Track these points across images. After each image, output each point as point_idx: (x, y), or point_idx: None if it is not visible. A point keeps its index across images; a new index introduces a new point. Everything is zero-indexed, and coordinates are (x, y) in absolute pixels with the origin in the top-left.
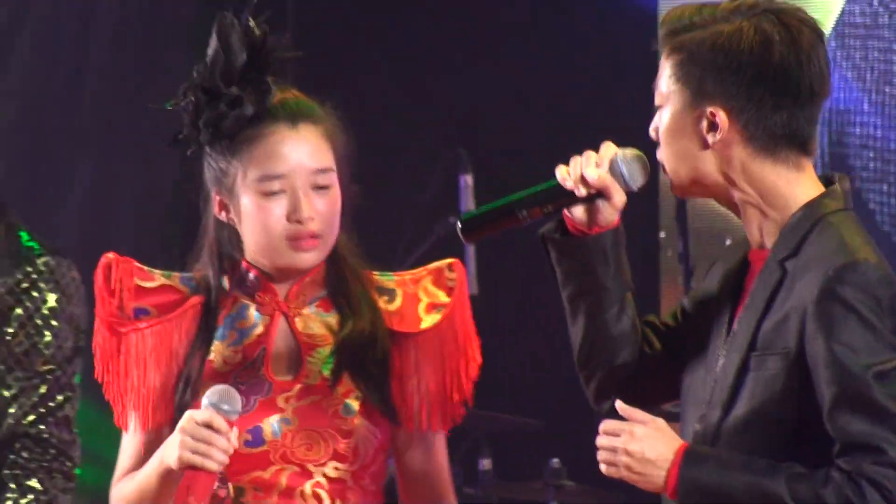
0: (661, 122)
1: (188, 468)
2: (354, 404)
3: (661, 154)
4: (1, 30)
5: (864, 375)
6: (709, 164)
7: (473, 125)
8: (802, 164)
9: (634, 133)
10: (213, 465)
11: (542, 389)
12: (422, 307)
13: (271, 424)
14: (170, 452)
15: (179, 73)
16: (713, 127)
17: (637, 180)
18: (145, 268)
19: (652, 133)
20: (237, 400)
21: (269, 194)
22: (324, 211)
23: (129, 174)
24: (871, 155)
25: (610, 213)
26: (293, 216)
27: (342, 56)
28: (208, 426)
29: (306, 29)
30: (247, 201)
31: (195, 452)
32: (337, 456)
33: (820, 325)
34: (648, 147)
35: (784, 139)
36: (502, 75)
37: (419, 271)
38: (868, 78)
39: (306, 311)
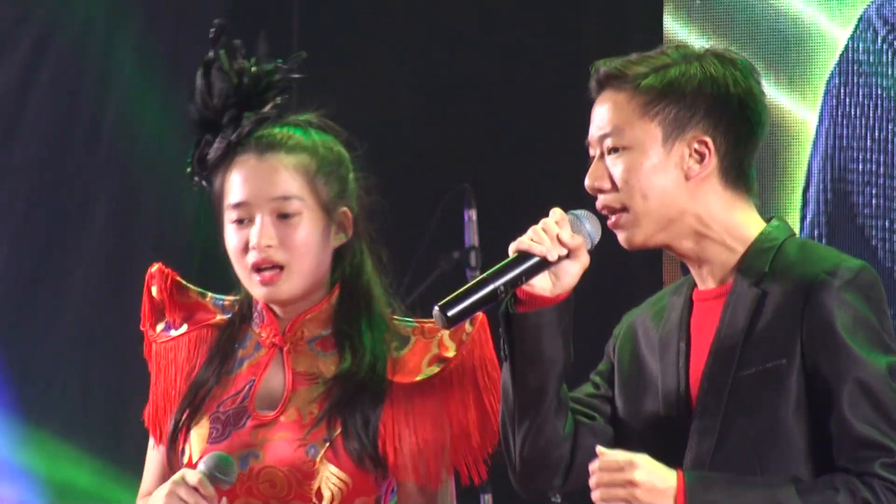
0: (626, 165)
1: None
2: (321, 447)
3: (630, 200)
4: (22, 66)
5: (871, 371)
6: (683, 201)
7: (478, 160)
8: (751, 202)
9: None
10: None
11: None
12: (427, 358)
13: (240, 458)
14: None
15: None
16: (700, 158)
17: (597, 236)
18: (183, 283)
19: (596, 183)
20: (233, 471)
21: (235, 222)
22: (288, 240)
23: (149, 210)
24: (874, 192)
25: (574, 275)
26: (249, 244)
27: (346, 87)
28: (196, 490)
29: (310, 53)
30: (226, 231)
31: None
32: (299, 496)
33: (820, 328)
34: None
35: (744, 174)
36: (508, 111)
37: None
38: (871, 115)
39: (303, 348)
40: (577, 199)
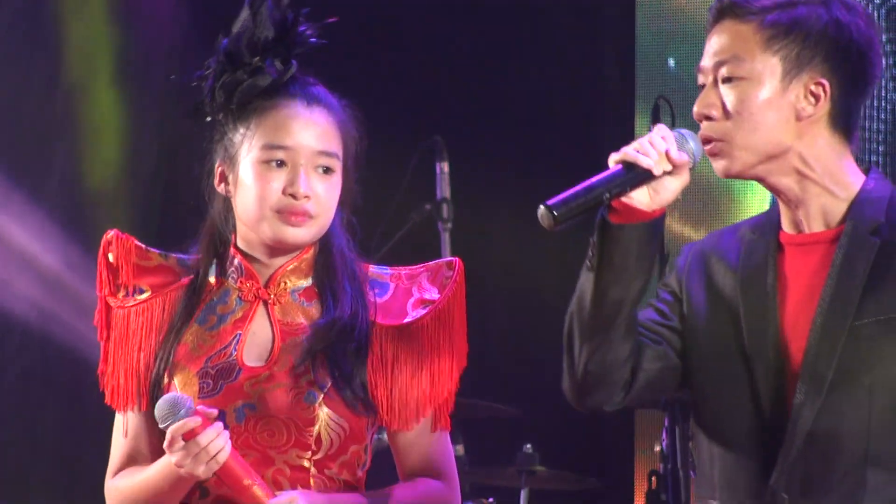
0: (741, 95)
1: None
2: (319, 393)
3: (737, 130)
4: None
5: None
6: (790, 139)
7: (450, 112)
8: (850, 150)
9: (616, 123)
10: (224, 456)
11: (516, 375)
12: (411, 302)
13: (235, 410)
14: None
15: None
16: (815, 100)
17: (700, 155)
18: (144, 246)
19: (706, 110)
20: (182, 402)
21: (269, 163)
22: (322, 194)
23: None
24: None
25: (674, 192)
26: (289, 189)
27: (318, 38)
28: (189, 436)
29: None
30: (247, 169)
31: (197, 462)
32: (299, 444)
33: None
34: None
35: (852, 123)
36: (480, 62)
37: (417, 267)
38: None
39: (287, 299)
40: (545, 149)
